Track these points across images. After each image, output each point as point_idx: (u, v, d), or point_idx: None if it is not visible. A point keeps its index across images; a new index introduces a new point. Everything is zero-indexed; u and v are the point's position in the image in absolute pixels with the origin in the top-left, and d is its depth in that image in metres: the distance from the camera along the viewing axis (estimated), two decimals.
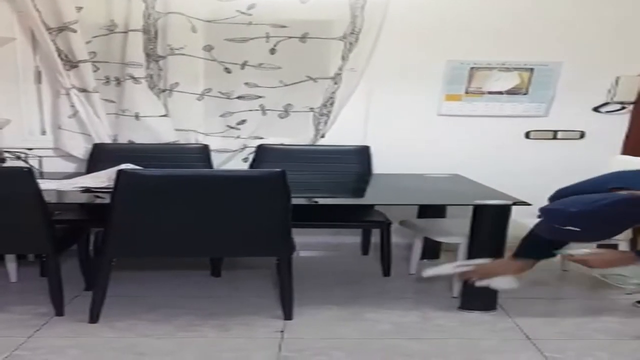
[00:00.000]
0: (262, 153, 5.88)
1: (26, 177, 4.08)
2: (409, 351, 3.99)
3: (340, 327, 4.35)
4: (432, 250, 5.81)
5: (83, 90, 5.72)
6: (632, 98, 5.87)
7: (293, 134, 5.95)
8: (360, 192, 5.51)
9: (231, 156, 5.98)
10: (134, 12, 5.62)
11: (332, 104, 5.85)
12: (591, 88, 5.77)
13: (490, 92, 5.90)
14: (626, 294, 4.73)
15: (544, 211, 3.83)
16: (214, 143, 5.90)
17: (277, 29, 5.74)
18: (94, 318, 4.31)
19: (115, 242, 4.22)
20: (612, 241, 4.76)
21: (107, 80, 5.80)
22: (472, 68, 5.86)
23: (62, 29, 5.56)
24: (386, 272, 5.45)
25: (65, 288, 4.46)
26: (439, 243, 5.61)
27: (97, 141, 5.79)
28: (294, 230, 4.35)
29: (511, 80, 5.87)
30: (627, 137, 5.88)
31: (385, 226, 5.36)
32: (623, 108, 5.88)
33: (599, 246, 4.39)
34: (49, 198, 4.31)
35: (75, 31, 5.57)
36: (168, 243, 4.27)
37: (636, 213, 3.60)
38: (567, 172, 4.82)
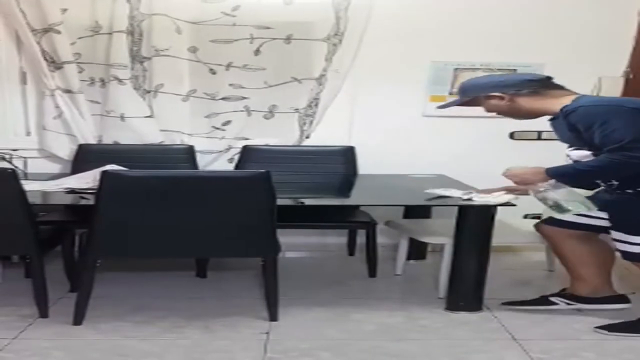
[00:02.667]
0: (248, 154, 5.87)
1: (10, 178, 4.07)
2: (395, 352, 3.99)
3: (325, 328, 4.35)
4: (418, 251, 5.83)
5: (68, 91, 5.70)
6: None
7: (278, 134, 5.95)
8: (345, 192, 5.52)
9: (216, 157, 5.97)
10: (118, 14, 5.60)
11: (317, 104, 5.86)
12: (574, 89, 5.66)
13: None
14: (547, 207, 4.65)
15: None
16: (199, 144, 5.89)
17: (261, 30, 5.74)
18: (78, 320, 4.29)
19: (100, 243, 4.21)
20: None
21: (92, 81, 5.79)
22: (456, 69, 5.87)
23: (47, 30, 5.54)
24: (372, 272, 5.45)
25: (49, 289, 4.44)
26: (425, 243, 5.64)
27: (82, 142, 5.77)
28: (280, 231, 4.35)
29: None
30: None
31: (370, 227, 5.37)
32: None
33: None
34: (34, 199, 4.31)
35: (59, 32, 5.55)
36: (153, 244, 4.25)
37: None
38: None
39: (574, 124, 4.04)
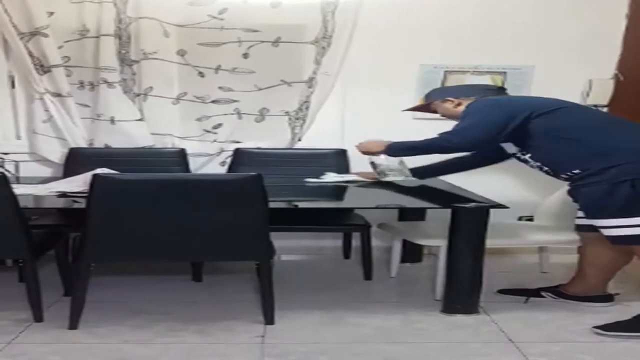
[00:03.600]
0: (240, 157, 5.86)
1: (1, 182, 4.02)
2: (392, 355, 3.97)
3: (322, 332, 4.33)
4: (414, 253, 5.83)
5: (57, 95, 5.67)
6: (606, 101, 5.91)
7: (269, 137, 5.93)
8: (339, 195, 5.49)
9: (208, 160, 5.95)
10: (105, 17, 5.57)
11: (307, 107, 5.85)
12: (564, 91, 5.73)
13: None
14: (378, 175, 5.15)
15: None
16: (190, 147, 5.87)
17: (249, 34, 5.73)
18: (74, 324, 4.25)
19: (93, 247, 4.17)
20: None
21: (81, 85, 5.76)
22: (445, 72, 5.87)
23: (34, 33, 5.51)
24: (367, 275, 5.44)
25: (44, 293, 4.40)
26: (421, 246, 5.63)
27: (73, 145, 5.75)
28: (275, 234, 4.33)
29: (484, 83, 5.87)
30: None
31: (365, 230, 5.36)
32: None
33: None
34: (26, 203, 4.27)
35: (47, 36, 5.52)
36: (146, 248, 4.22)
37: None
38: (544, 175, 4.84)
39: None
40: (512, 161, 5.29)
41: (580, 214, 4.50)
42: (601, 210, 4.24)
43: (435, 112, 4.97)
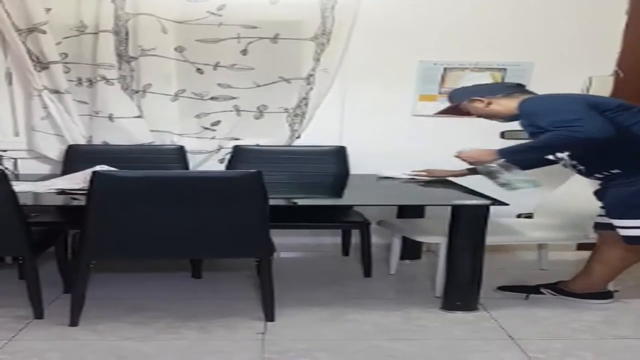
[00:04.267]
0: (238, 154, 5.85)
1: (0, 179, 4.04)
2: (392, 352, 3.98)
3: (322, 329, 4.33)
4: (413, 250, 5.83)
5: (55, 92, 5.67)
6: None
7: (268, 134, 5.93)
8: (338, 192, 5.50)
9: (207, 157, 5.95)
10: (103, 13, 5.56)
11: (306, 104, 5.84)
12: (564, 88, 5.72)
13: None
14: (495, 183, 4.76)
15: None
16: (189, 144, 5.87)
17: (247, 30, 5.71)
18: (74, 321, 4.26)
19: (92, 244, 4.18)
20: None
21: (79, 82, 5.75)
22: (445, 68, 5.86)
23: (32, 30, 5.50)
24: (367, 272, 5.44)
25: (44, 290, 4.41)
26: (420, 243, 5.62)
27: (72, 142, 5.75)
28: (274, 232, 4.34)
29: (484, 81, 5.85)
30: None
31: (364, 227, 5.36)
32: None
33: None
34: (25, 200, 4.27)
35: (45, 32, 5.51)
36: (145, 245, 4.23)
37: None
38: (543, 171, 4.84)
39: (523, 118, 4.57)
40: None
41: (602, 212, 4.53)
42: (626, 210, 4.29)
43: (467, 113, 4.89)
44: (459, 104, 4.85)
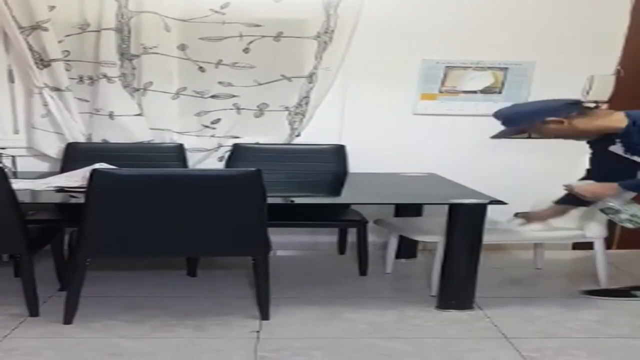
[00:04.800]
0: (238, 152, 5.85)
1: None
2: (387, 351, 3.99)
3: (317, 327, 4.35)
4: (409, 249, 5.83)
5: (56, 89, 5.67)
6: (606, 97, 5.88)
7: (268, 133, 5.92)
8: (336, 191, 5.52)
9: (207, 155, 5.94)
10: (106, 11, 5.56)
11: (307, 103, 5.83)
12: (565, 87, 5.75)
13: (465, 92, 5.90)
14: (619, 222, 4.71)
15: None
16: (189, 142, 5.87)
17: (250, 28, 5.71)
18: (69, 319, 4.28)
19: (90, 242, 4.19)
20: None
21: (81, 79, 5.75)
22: (446, 67, 5.85)
23: (35, 27, 5.51)
24: (363, 271, 5.45)
25: (39, 288, 4.43)
26: (416, 242, 5.63)
27: (71, 140, 5.75)
28: (270, 230, 4.34)
29: (485, 80, 5.88)
30: None
31: (361, 225, 5.36)
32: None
33: None
34: (23, 198, 4.29)
35: (47, 30, 5.51)
36: (143, 243, 4.25)
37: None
38: (543, 171, 4.85)
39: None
40: (510, 159, 5.36)
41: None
42: None
43: (524, 132, 4.83)
44: (525, 127, 4.70)
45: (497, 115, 4.61)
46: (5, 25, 5.55)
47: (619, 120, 4.33)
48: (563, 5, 5.74)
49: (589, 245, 5.08)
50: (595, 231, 5.06)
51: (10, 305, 4.51)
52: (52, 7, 5.53)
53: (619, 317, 4.54)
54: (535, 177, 5.59)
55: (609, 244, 5.68)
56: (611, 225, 5.04)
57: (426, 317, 4.52)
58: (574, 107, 4.47)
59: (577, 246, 5.87)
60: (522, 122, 4.60)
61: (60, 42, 5.63)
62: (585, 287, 5.10)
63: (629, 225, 4.44)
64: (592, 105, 4.70)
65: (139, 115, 5.78)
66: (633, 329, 4.38)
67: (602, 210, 4.62)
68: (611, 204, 4.43)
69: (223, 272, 5.38)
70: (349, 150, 5.84)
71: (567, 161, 5.07)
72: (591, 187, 4.57)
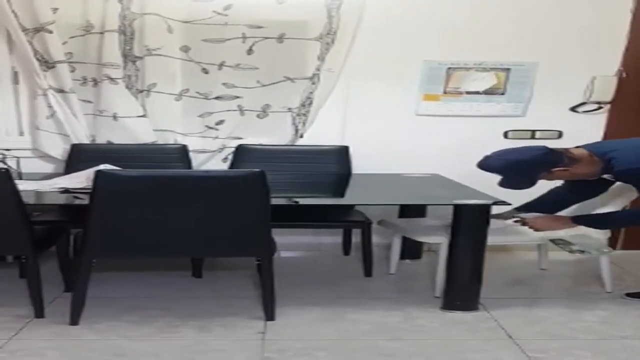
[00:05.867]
0: (242, 153, 5.86)
1: (4, 178, 4.07)
2: (391, 351, 3.99)
3: (322, 328, 4.35)
4: (413, 250, 5.82)
5: (60, 91, 5.68)
6: (609, 98, 5.89)
7: (272, 134, 5.93)
8: (340, 192, 5.52)
9: (210, 156, 5.95)
10: (109, 13, 5.57)
11: (310, 104, 5.84)
12: (568, 88, 5.79)
13: (467, 92, 5.91)
14: (569, 252, 4.88)
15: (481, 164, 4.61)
16: (192, 143, 5.87)
17: (253, 30, 5.71)
18: (74, 320, 4.28)
19: (95, 243, 4.20)
20: None
21: (84, 81, 5.76)
22: (449, 68, 5.85)
23: (38, 29, 5.51)
24: (367, 272, 5.44)
25: (45, 289, 4.43)
26: (420, 243, 5.61)
27: (75, 142, 5.75)
28: (275, 231, 4.35)
29: (488, 81, 5.88)
30: (605, 136, 5.89)
31: (365, 226, 5.36)
32: (600, 108, 5.89)
33: None
34: (28, 199, 4.30)
35: (51, 32, 5.52)
36: (148, 244, 4.25)
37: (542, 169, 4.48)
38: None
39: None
40: None
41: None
42: None
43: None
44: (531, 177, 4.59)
45: (485, 167, 4.60)
46: (9, 28, 5.55)
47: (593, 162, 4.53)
48: (565, 6, 5.74)
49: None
50: (598, 232, 5.05)
51: (16, 306, 4.52)
52: (55, 9, 5.54)
53: (623, 318, 4.54)
54: None
55: (613, 244, 5.69)
56: None
57: (431, 318, 4.52)
58: (552, 157, 4.48)
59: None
60: (526, 173, 4.55)
61: (64, 43, 5.63)
62: (588, 288, 5.16)
63: (580, 255, 4.82)
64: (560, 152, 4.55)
65: (142, 116, 5.78)
66: (637, 330, 4.37)
67: (552, 241, 4.88)
68: (562, 235, 4.80)
69: (227, 273, 5.39)
70: (353, 151, 5.85)
71: None
72: (540, 220, 4.84)
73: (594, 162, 4.49)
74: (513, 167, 4.49)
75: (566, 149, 4.53)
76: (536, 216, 4.84)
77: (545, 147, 4.56)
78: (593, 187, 4.85)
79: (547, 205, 4.97)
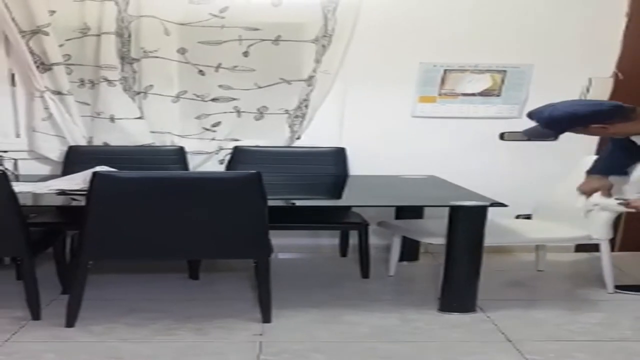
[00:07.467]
0: (238, 155, 5.86)
1: (0, 180, 4.05)
2: (389, 354, 3.98)
3: (319, 330, 4.33)
4: (411, 252, 5.82)
5: (57, 93, 5.68)
6: (605, 99, 5.85)
7: (268, 135, 5.94)
8: (337, 193, 5.51)
9: (207, 158, 5.95)
10: (106, 15, 5.58)
11: (306, 106, 5.85)
12: (564, 90, 5.76)
13: (463, 94, 5.92)
14: None
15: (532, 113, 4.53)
16: (189, 145, 5.88)
17: (250, 32, 5.73)
18: (71, 322, 4.26)
19: (91, 245, 4.19)
20: None
21: (82, 83, 5.77)
22: (445, 70, 5.86)
23: (35, 32, 5.52)
24: (365, 274, 5.43)
25: (41, 292, 4.41)
26: (418, 244, 5.64)
27: (72, 143, 5.75)
28: (272, 232, 4.34)
29: (484, 82, 5.90)
30: (601, 139, 5.88)
31: (363, 228, 5.35)
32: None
33: None
34: (24, 201, 4.29)
35: (48, 34, 5.53)
36: (144, 245, 4.24)
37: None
38: (542, 173, 4.85)
39: None
40: (509, 161, 5.36)
41: None
42: None
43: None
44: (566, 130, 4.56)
45: (534, 115, 4.53)
46: (6, 30, 5.56)
47: None
48: (561, 8, 5.76)
49: (590, 247, 5.08)
50: (601, 232, 5.03)
51: (12, 308, 4.50)
52: (52, 12, 5.56)
53: (621, 319, 4.54)
54: (535, 179, 5.61)
55: (611, 245, 5.71)
56: (614, 226, 5.06)
57: (428, 320, 4.51)
58: (619, 112, 4.38)
59: (579, 248, 5.90)
60: (566, 125, 4.48)
61: (61, 46, 5.64)
62: (586, 290, 5.14)
63: None
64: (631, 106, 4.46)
65: (139, 118, 5.79)
66: (635, 331, 4.37)
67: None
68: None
69: (224, 275, 5.39)
70: (349, 152, 5.85)
71: (566, 163, 5.10)
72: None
73: None
74: (573, 119, 4.40)
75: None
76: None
77: (615, 102, 4.55)
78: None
79: (618, 168, 4.84)
